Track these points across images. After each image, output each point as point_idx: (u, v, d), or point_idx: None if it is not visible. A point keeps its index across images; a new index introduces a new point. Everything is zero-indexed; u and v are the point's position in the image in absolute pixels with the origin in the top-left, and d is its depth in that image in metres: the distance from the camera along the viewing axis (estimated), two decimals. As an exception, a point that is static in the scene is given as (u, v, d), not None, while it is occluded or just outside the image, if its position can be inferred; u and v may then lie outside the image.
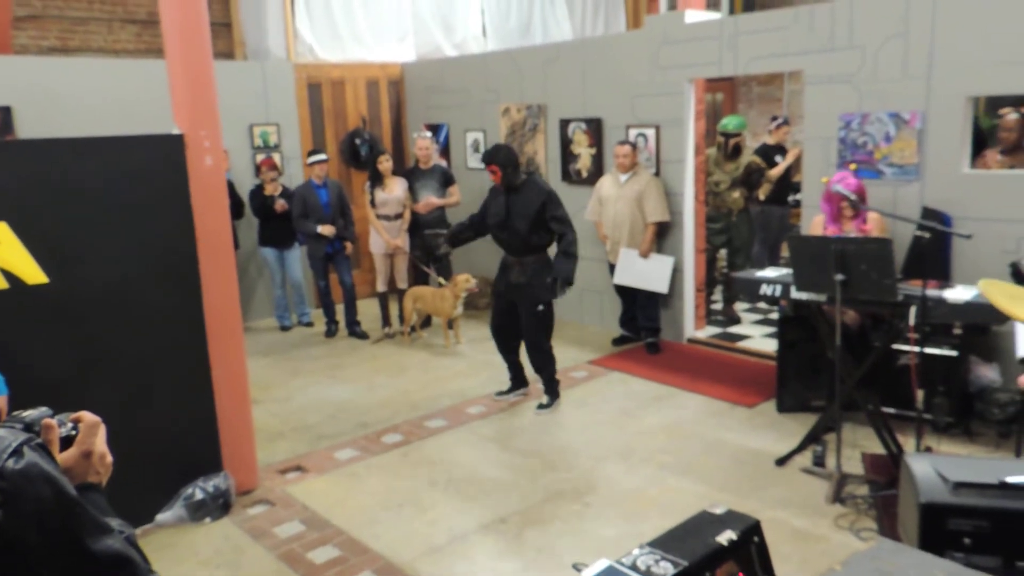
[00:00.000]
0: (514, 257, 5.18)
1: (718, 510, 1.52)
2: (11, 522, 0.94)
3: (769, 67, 5.76)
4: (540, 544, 3.74)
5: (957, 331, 4.55)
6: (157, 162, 3.84)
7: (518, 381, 5.57)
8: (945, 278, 4.71)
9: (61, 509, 0.99)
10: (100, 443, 1.22)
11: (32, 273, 3.51)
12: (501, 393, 5.56)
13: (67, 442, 1.19)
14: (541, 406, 5.34)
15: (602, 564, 1.32)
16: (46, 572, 0.96)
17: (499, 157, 5.05)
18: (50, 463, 1.02)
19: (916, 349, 3.93)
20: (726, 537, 1.43)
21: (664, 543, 1.40)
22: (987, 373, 4.62)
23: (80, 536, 1.00)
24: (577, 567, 1.35)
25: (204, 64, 3.91)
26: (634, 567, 1.32)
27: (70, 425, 1.20)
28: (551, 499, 4.17)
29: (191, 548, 3.82)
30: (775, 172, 7.20)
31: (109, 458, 1.24)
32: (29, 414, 1.16)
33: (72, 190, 3.62)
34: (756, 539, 1.47)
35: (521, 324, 5.26)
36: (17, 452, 0.99)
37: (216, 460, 4.18)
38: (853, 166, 4.95)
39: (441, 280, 6.95)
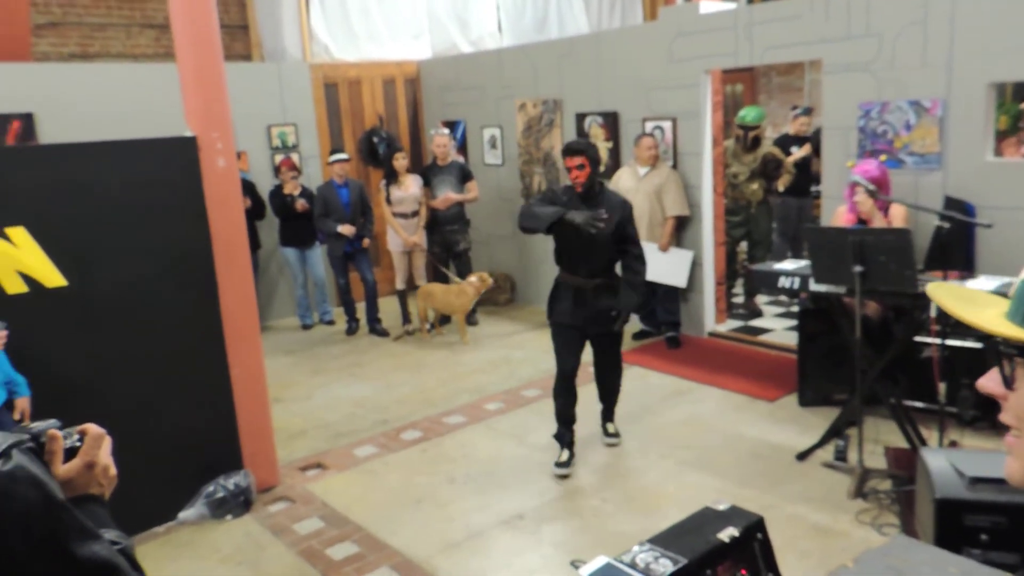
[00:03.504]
0: (591, 280, 4.28)
1: (721, 506, 1.50)
2: None
3: (785, 57, 5.68)
4: (557, 540, 3.74)
5: (982, 322, 4.45)
6: (171, 165, 3.89)
7: (572, 445, 4.55)
8: (969, 269, 4.62)
9: (48, 513, 0.99)
10: (104, 455, 1.23)
11: (51, 276, 3.56)
12: (563, 465, 4.42)
13: (71, 453, 1.20)
14: (616, 435, 4.74)
15: (600, 561, 1.31)
16: (28, 575, 0.97)
17: (590, 150, 4.16)
18: (39, 467, 1.03)
19: (938, 341, 3.86)
20: (728, 534, 1.41)
21: (664, 540, 1.38)
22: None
23: (65, 541, 1.00)
24: (575, 564, 1.33)
25: (215, 67, 3.93)
26: (632, 564, 1.31)
27: (75, 437, 1.21)
28: (569, 495, 4.16)
29: (213, 545, 3.86)
30: (790, 160, 7.11)
31: (113, 471, 1.25)
32: (36, 425, 1.18)
33: (88, 193, 3.68)
34: (759, 536, 1.45)
35: (603, 352, 4.53)
36: (5, 454, 0.99)
37: (236, 458, 4.22)
38: (883, 157, 4.87)
39: (457, 280, 6.97)
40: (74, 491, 1.17)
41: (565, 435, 4.50)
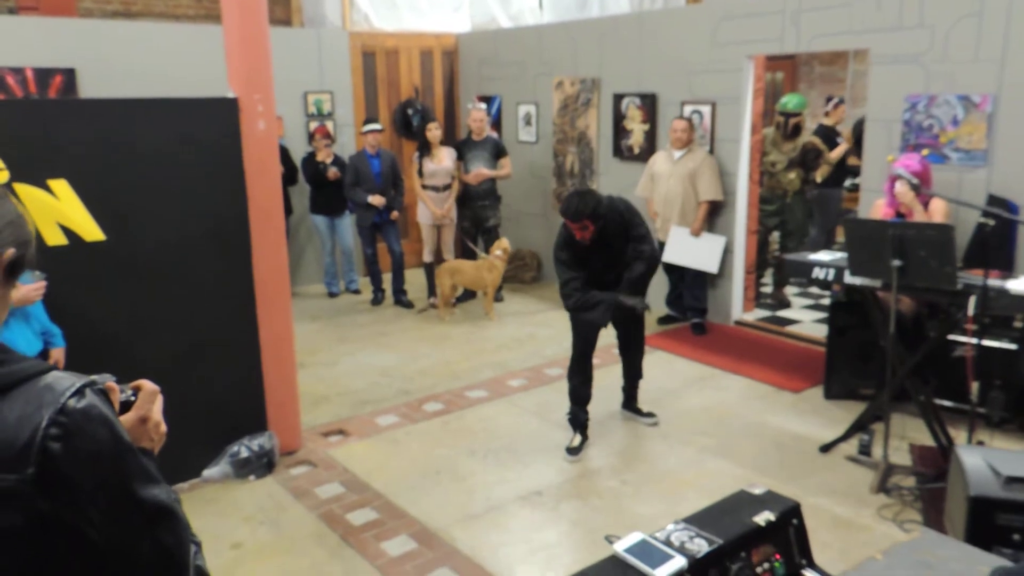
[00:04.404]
0: (614, 282, 4.39)
1: (757, 490, 1.49)
2: (67, 457, 0.97)
3: (833, 45, 5.57)
4: (575, 518, 3.75)
5: (1018, 324, 4.38)
6: (211, 125, 3.90)
7: (586, 429, 4.57)
8: (1009, 268, 4.54)
9: (115, 452, 1.02)
10: (157, 411, 1.25)
11: (90, 230, 3.60)
12: (574, 450, 4.40)
13: (126, 407, 1.23)
14: (652, 415, 4.79)
15: (635, 537, 1.31)
16: (93, 511, 0.99)
17: (591, 208, 4.07)
18: (109, 408, 1.05)
19: (973, 341, 3.80)
20: (764, 518, 1.40)
21: (700, 520, 1.38)
22: (1048, 368, 4.45)
23: (129, 482, 1.03)
24: (609, 539, 1.33)
25: (259, 30, 3.93)
26: (667, 542, 1.31)
27: (130, 392, 1.24)
28: (588, 474, 4.17)
29: (235, 504, 3.92)
30: (835, 154, 7.01)
31: (163, 427, 1.27)
32: (94, 378, 1.20)
33: (129, 150, 3.70)
34: (795, 522, 1.44)
35: (627, 334, 4.67)
36: (80, 392, 1.02)
37: (262, 420, 4.27)
38: (926, 151, 4.78)
39: (484, 255, 6.96)
40: None
41: (580, 416, 4.48)
